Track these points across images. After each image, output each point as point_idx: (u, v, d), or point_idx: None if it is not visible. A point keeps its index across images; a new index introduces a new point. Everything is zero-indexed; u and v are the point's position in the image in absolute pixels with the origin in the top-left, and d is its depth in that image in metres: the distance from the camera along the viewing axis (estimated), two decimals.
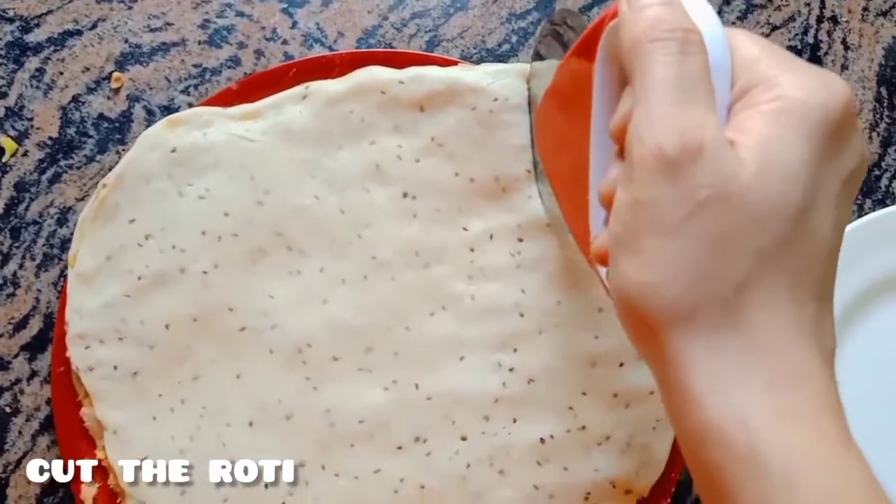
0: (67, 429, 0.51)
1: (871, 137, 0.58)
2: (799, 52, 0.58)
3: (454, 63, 0.54)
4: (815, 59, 0.58)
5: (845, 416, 0.31)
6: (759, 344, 0.30)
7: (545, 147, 0.49)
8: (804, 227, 0.31)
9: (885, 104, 0.58)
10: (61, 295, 0.52)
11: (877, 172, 0.58)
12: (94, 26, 0.56)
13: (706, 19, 0.33)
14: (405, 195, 0.53)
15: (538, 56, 0.51)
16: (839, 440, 0.30)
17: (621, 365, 0.52)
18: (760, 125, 0.31)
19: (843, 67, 0.58)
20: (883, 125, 0.58)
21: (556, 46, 0.48)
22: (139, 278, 0.51)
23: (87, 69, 0.56)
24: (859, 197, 0.58)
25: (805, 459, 0.29)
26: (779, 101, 0.31)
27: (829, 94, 0.31)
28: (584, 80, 0.37)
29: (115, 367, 0.51)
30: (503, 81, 0.53)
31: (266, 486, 0.51)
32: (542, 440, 0.52)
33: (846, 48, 0.59)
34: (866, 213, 0.56)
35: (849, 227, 0.55)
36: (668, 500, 0.52)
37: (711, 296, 0.30)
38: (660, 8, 0.32)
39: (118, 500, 0.51)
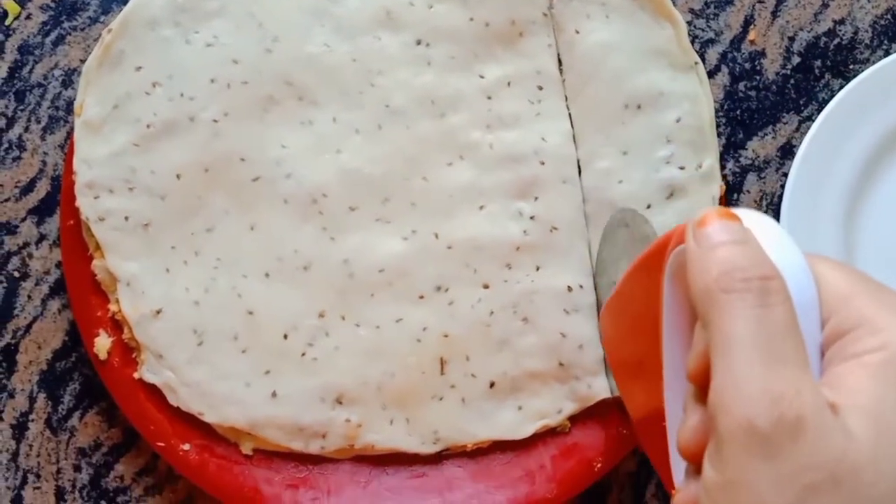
0: (78, 283, 0.50)
1: None
2: None
3: None
4: None
5: None
6: None
7: (612, 347, 0.47)
8: None
9: None
10: (68, 149, 0.51)
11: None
12: None
13: (786, 253, 0.30)
14: (419, 42, 0.52)
15: (604, 246, 0.50)
16: None
17: (648, 207, 0.51)
18: (866, 384, 0.27)
19: None
20: None
21: (620, 242, 0.49)
22: (147, 126, 0.50)
23: None
24: (885, 41, 0.56)
25: None
26: (885, 352, 0.27)
27: None
28: (651, 297, 0.34)
29: (126, 218, 0.49)
30: None
31: (285, 336, 0.49)
32: (569, 288, 0.50)
33: None
34: None
35: (869, 70, 0.53)
36: None
37: None
38: (732, 248, 0.29)
39: (133, 354, 0.50)
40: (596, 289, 0.51)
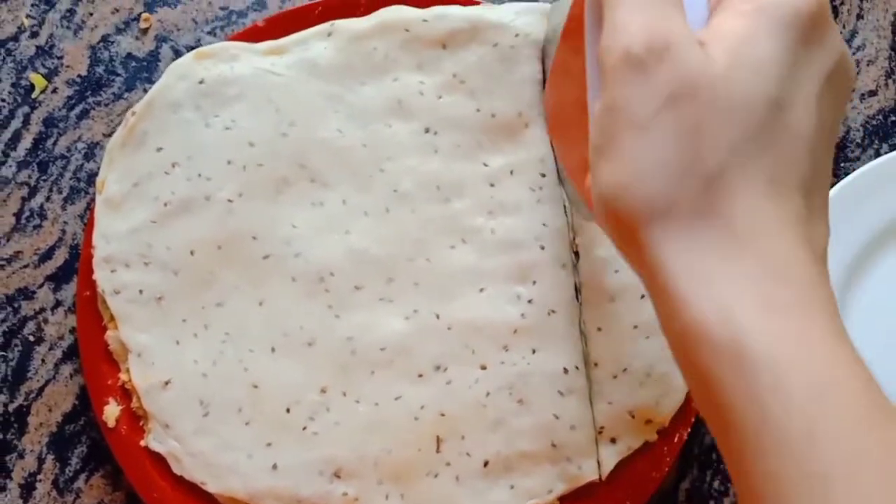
0: (91, 351, 0.52)
1: (886, 84, 0.59)
2: None
3: (476, 2, 0.55)
4: (832, 8, 0.59)
5: (838, 312, 0.30)
6: (741, 236, 0.30)
7: (553, 113, 0.50)
8: (780, 123, 0.31)
9: None
10: (88, 221, 0.53)
11: (893, 118, 0.59)
12: None
13: None
14: (427, 130, 0.54)
15: (552, 19, 0.53)
16: (829, 332, 0.29)
17: (642, 297, 0.53)
18: (732, 25, 0.31)
19: (859, 17, 0.59)
20: None
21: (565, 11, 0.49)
22: (165, 205, 0.52)
23: (117, 10, 0.57)
24: (875, 141, 0.58)
25: (792, 351, 0.29)
26: (752, 3, 0.31)
27: None
28: (581, 48, 0.36)
29: (141, 291, 0.52)
30: (526, 19, 0.54)
31: (288, 410, 0.51)
32: (565, 370, 0.52)
33: None
34: None
35: (861, 170, 0.55)
36: (688, 430, 0.52)
37: (686, 188, 0.30)
38: None
39: (140, 423, 0.52)
40: (543, 58, 0.53)
